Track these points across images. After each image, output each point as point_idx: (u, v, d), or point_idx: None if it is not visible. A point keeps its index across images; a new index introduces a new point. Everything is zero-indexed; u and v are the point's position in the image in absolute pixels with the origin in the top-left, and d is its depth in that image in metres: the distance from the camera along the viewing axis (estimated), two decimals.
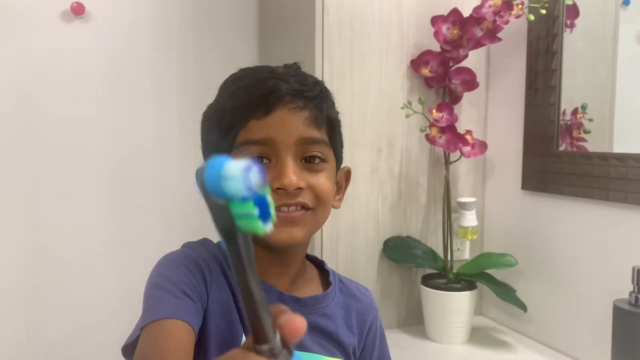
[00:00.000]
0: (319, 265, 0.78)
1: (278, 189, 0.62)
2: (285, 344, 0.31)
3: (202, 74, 1.51)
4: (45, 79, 1.36)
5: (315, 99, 0.66)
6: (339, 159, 0.72)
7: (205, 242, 0.72)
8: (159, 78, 1.47)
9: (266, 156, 0.64)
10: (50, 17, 1.35)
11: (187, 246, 0.71)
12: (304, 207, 0.64)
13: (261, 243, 0.63)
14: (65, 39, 1.37)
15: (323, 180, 0.66)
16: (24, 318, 1.36)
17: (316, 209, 0.66)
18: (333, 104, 0.70)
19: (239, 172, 0.26)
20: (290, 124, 0.63)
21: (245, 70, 0.68)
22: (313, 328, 0.69)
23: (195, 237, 0.72)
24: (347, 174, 0.76)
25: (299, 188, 0.63)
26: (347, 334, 0.72)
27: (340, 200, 0.75)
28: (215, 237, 0.73)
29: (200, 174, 0.27)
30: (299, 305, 0.68)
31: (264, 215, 0.28)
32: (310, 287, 0.73)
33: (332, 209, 0.70)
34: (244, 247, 0.29)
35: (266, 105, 0.63)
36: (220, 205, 0.27)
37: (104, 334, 1.38)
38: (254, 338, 0.32)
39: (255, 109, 0.63)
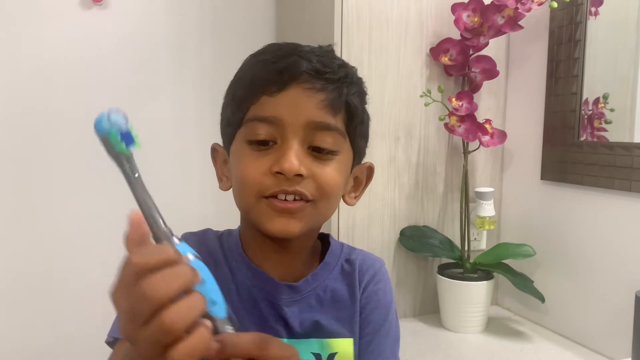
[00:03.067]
0: (325, 239, 0.73)
1: (277, 173, 0.58)
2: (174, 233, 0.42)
3: (219, 58, 1.51)
4: (64, 66, 1.36)
5: (337, 82, 0.60)
6: (358, 152, 0.66)
7: (206, 233, 0.71)
8: (177, 63, 1.47)
9: (272, 138, 0.59)
10: (69, 4, 1.35)
11: (184, 238, 0.69)
12: (303, 198, 0.59)
13: (261, 232, 0.61)
14: (84, 26, 1.37)
15: (329, 171, 0.60)
16: (34, 314, 1.38)
17: (317, 201, 0.60)
18: (358, 92, 0.64)
19: (106, 116, 0.40)
20: (302, 105, 0.58)
21: (272, 45, 0.64)
22: (311, 310, 0.66)
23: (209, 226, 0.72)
24: (369, 170, 0.70)
25: (300, 175, 0.58)
26: (346, 309, 0.68)
27: (357, 197, 0.69)
28: (218, 227, 0.74)
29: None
30: (293, 291, 0.66)
31: (129, 141, 0.41)
32: (310, 268, 0.69)
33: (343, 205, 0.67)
34: (128, 168, 0.41)
35: (280, 82, 0.59)
36: (104, 140, 0.40)
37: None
38: (151, 230, 0.41)
39: (269, 85, 0.59)
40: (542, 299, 1.14)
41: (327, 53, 0.63)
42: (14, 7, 1.30)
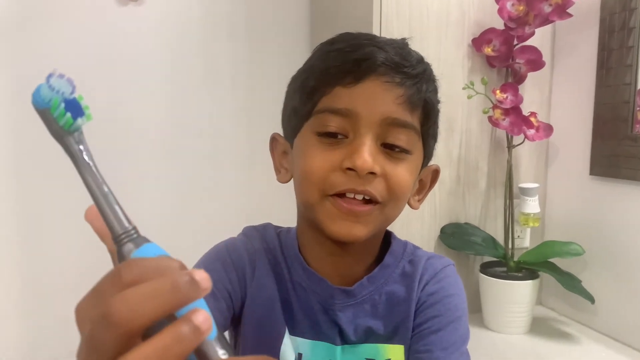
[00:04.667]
0: (387, 238, 0.67)
1: (348, 169, 0.54)
2: (140, 234, 0.33)
3: (253, 54, 1.49)
4: (100, 63, 1.36)
5: (416, 77, 0.56)
6: (428, 153, 0.62)
7: (266, 228, 0.68)
8: (210, 58, 1.46)
9: (343, 131, 0.56)
10: (106, 1, 1.35)
11: (245, 232, 0.68)
12: (372, 201, 0.56)
13: (322, 232, 0.57)
14: (120, 22, 1.37)
15: (402, 172, 0.56)
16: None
17: (386, 204, 0.56)
18: (435, 89, 0.61)
19: (45, 84, 0.31)
20: (379, 99, 0.55)
21: (345, 35, 0.60)
22: (365, 315, 0.62)
23: (245, 224, 0.70)
24: (435, 173, 0.66)
25: (372, 173, 0.54)
26: (400, 313, 0.63)
27: (420, 201, 0.65)
28: (278, 221, 0.72)
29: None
30: (347, 296, 0.62)
31: (76, 112, 0.32)
32: (368, 269, 0.64)
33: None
34: (77, 149, 0.33)
35: (357, 73, 0.55)
36: (44, 115, 0.32)
37: None
38: (109, 228, 0.32)
39: (344, 75, 0.55)
40: (592, 300, 1.09)
41: (403, 45, 0.59)
42: (51, 6, 1.31)
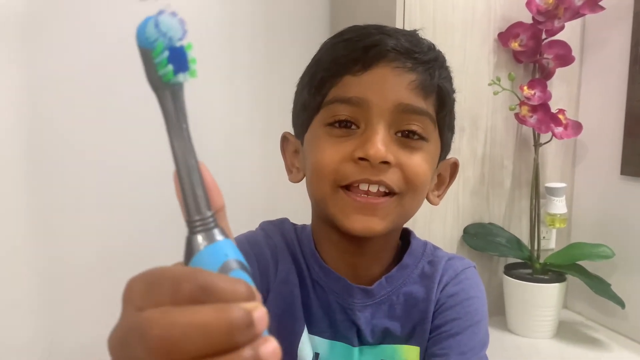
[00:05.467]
0: (406, 237, 0.65)
1: (360, 159, 0.52)
2: (218, 224, 0.29)
3: (271, 51, 1.46)
4: (119, 58, 1.35)
5: (427, 63, 0.54)
6: (445, 144, 0.60)
7: (283, 224, 0.66)
8: (229, 54, 1.44)
9: (355, 121, 0.54)
10: None
11: (263, 227, 0.66)
12: (388, 192, 0.53)
13: (337, 228, 0.55)
14: (139, 17, 1.35)
15: (418, 161, 0.54)
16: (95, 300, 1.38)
17: (403, 195, 0.54)
18: (449, 77, 0.59)
19: (153, 20, 0.27)
20: (391, 85, 0.53)
21: (353, 27, 0.59)
22: (382, 315, 0.61)
23: (259, 222, 0.68)
24: (454, 166, 0.63)
25: (386, 162, 0.52)
26: (419, 313, 0.61)
27: (440, 197, 0.63)
28: (294, 218, 0.70)
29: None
30: (367, 295, 0.60)
31: (179, 65, 0.28)
32: (386, 268, 0.62)
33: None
34: (172, 107, 0.29)
35: (365, 60, 0.53)
36: (145, 56, 0.28)
37: None
38: (185, 208, 0.28)
39: (353, 63, 0.53)
40: (623, 305, 1.05)
41: (412, 33, 0.57)
42: (69, 4, 1.30)
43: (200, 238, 0.28)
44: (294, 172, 0.63)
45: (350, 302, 0.60)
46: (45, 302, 1.33)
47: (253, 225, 0.68)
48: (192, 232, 0.28)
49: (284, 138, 0.65)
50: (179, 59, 0.28)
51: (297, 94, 0.62)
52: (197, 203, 0.28)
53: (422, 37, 0.58)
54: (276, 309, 0.60)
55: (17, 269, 1.29)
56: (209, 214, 0.28)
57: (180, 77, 0.28)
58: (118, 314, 0.26)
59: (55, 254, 1.32)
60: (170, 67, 0.27)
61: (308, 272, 0.62)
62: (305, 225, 0.66)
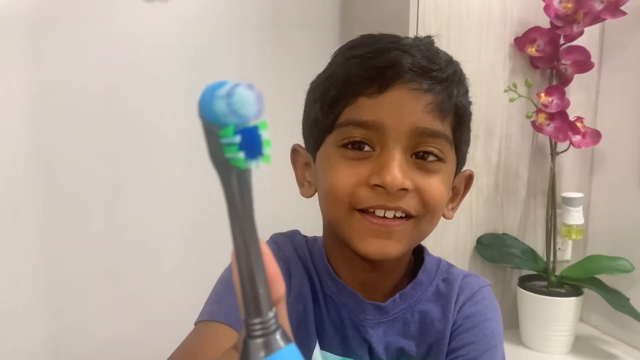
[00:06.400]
0: (419, 253, 0.64)
1: (377, 186, 0.50)
2: (281, 325, 0.26)
3: (280, 51, 1.44)
4: (126, 60, 1.33)
5: (445, 81, 0.52)
6: (460, 160, 0.58)
7: (294, 236, 0.65)
8: (237, 55, 1.42)
9: (370, 143, 0.52)
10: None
11: (274, 239, 0.64)
12: (405, 215, 0.52)
13: (351, 249, 0.54)
14: (146, 19, 1.33)
15: (435, 184, 0.53)
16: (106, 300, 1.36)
17: (420, 218, 0.53)
18: (467, 91, 0.56)
19: (224, 91, 0.23)
20: (407, 108, 0.51)
21: (366, 37, 0.56)
22: (396, 334, 0.59)
23: (279, 228, 0.66)
24: (469, 179, 0.62)
25: (404, 189, 0.51)
26: (435, 333, 0.59)
27: (454, 209, 0.61)
28: (306, 231, 0.67)
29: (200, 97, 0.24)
30: (380, 312, 0.58)
31: (252, 150, 0.24)
32: (400, 285, 0.60)
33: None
34: (237, 189, 0.25)
35: (382, 81, 0.51)
36: (210, 130, 0.24)
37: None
38: (244, 307, 0.26)
39: (368, 84, 0.51)
40: None
41: (429, 46, 0.55)
42: (76, 5, 1.28)
43: (259, 344, 0.25)
44: (306, 186, 0.61)
45: (362, 319, 0.58)
46: (51, 307, 1.31)
47: (262, 235, 0.65)
48: (250, 335, 0.25)
49: (295, 150, 0.63)
50: (252, 142, 0.24)
51: (308, 106, 0.59)
52: (257, 303, 0.25)
53: (439, 48, 0.56)
54: (290, 324, 0.57)
55: (23, 274, 1.27)
56: (270, 315, 0.25)
57: (253, 164, 0.24)
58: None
59: (61, 259, 1.31)
60: (241, 155, 0.23)
61: (320, 286, 0.60)
62: (316, 237, 0.64)
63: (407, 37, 0.55)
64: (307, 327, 0.58)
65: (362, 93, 0.52)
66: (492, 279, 1.18)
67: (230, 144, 0.23)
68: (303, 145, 0.62)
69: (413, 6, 1.06)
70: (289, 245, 0.63)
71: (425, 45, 0.54)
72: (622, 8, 1.01)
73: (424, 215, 0.53)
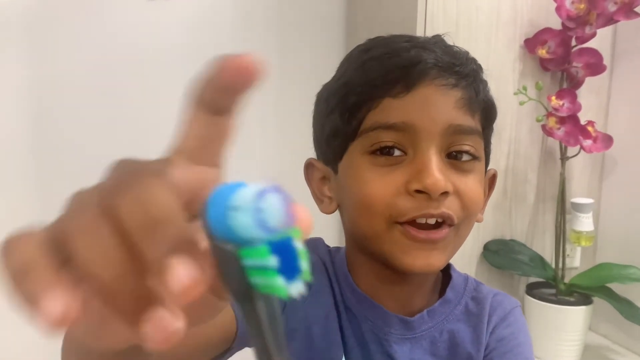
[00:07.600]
0: (445, 268, 0.61)
1: (417, 191, 0.47)
2: None
3: (284, 52, 1.42)
4: (127, 58, 1.31)
5: (469, 76, 0.50)
6: (488, 158, 0.56)
7: (317, 243, 0.62)
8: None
9: (401, 147, 0.49)
10: None
11: None
12: (448, 222, 0.49)
13: (393, 265, 0.50)
14: (148, 17, 1.31)
15: (472, 184, 0.50)
16: None
17: (460, 225, 0.50)
18: (488, 86, 0.54)
19: (249, 200, 0.17)
20: (438, 106, 0.48)
21: (378, 39, 0.53)
22: (423, 352, 0.56)
23: None
24: (493, 179, 0.59)
25: (445, 192, 0.48)
26: (466, 356, 0.57)
27: (482, 212, 0.57)
28: (328, 241, 0.64)
29: (204, 208, 0.18)
30: (406, 327, 0.55)
31: (289, 269, 0.18)
32: (427, 301, 0.57)
33: None
34: (265, 312, 0.19)
35: (407, 80, 0.48)
36: (226, 252, 0.18)
37: None
38: None
39: (392, 85, 0.48)
40: None
41: (444, 42, 0.53)
42: (79, 2, 1.26)
43: None
44: (326, 202, 0.57)
45: (386, 332, 0.55)
46: None
47: None
48: None
49: (310, 165, 0.59)
50: (287, 259, 0.18)
51: (321, 116, 0.56)
52: None
53: (453, 45, 0.54)
54: (309, 330, 0.55)
55: None
56: None
57: (293, 289, 0.19)
58: None
59: None
60: (280, 282, 0.18)
61: (341, 297, 0.57)
62: (339, 247, 0.61)
63: (419, 36, 0.53)
64: (331, 337, 0.55)
65: (387, 94, 0.49)
66: (499, 286, 1.15)
67: (262, 268, 0.18)
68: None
69: (421, 7, 1.04)
70: (311, 251, 0.60)
71: (440, 42, 0.52)
72: (636, 10, 0.99)
73: (464, 219, 0.50)
